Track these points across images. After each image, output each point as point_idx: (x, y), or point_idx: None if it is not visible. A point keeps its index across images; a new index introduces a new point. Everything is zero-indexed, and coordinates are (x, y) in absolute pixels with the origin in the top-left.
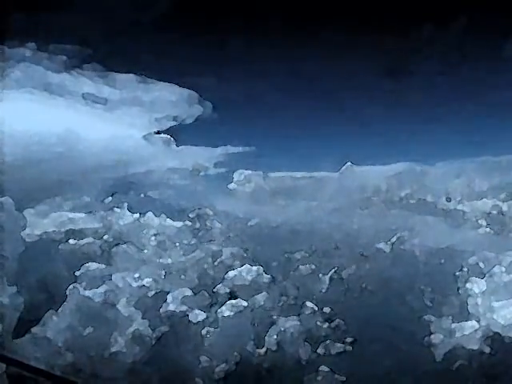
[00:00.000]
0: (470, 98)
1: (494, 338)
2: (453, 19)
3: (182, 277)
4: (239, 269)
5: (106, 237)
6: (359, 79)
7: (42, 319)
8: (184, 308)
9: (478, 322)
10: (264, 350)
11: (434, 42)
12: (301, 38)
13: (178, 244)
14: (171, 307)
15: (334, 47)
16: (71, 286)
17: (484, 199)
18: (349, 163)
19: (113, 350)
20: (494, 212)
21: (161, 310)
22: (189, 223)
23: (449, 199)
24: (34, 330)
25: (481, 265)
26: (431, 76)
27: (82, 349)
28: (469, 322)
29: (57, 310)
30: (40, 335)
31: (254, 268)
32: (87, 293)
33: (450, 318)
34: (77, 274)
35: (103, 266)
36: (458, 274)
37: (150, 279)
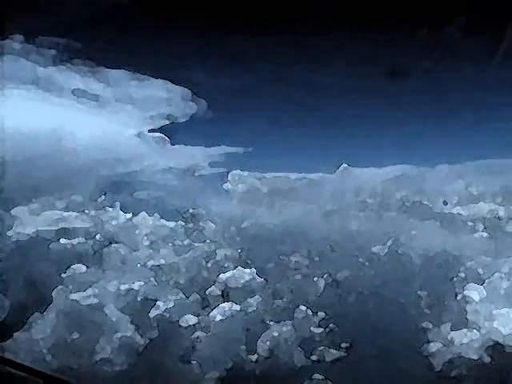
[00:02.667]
0: (469, 100)
1: (494, 348)
2: (453, 20)
3: (174, 279)
4: (232, 271)
5: (97, 236)
6: (357, 80)
7: (27, 323)
8: (174, 312)
9: (478, 330)
10: (256, 356)
11: (433, 43)
12: (299, 37)
13: (170, 244)
14: (161, 311)
15: (332, 48)
16: (57, 289)
17: (481, 203)
18: (345, 165)
19: (99, 356)
20: (491, 216)
21: (150, 314)
22: (182, 223)
23: (445, 202)
24: (18, 334)
25: (479, 270)
26: (430, 78)
27: (68, 355)
28: (468, 330)
29: (42, 313)
30: (24, 340)
31: (248, 270)
32: (74, 296)
33: (449, 325)
34: (63, 275)
35: (91, 267)
36: (455, 279)
37: (140, 282)
